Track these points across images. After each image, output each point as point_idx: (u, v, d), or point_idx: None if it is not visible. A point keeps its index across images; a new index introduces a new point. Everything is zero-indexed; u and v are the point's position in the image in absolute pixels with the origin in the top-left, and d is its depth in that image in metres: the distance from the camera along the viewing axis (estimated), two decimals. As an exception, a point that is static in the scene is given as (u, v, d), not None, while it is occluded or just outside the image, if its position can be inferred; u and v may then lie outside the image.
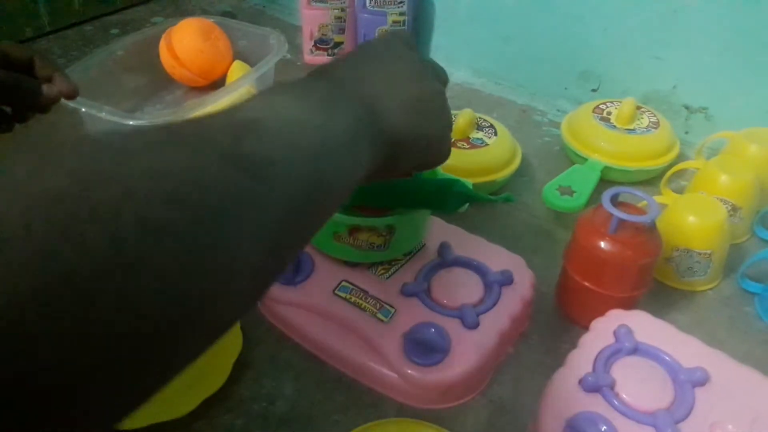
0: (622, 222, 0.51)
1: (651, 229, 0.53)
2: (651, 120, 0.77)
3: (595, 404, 0.44)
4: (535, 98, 0.94)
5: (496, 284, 0.55)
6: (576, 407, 0.44)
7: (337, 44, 1.01)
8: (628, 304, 0.53)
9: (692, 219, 0.59)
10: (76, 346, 0.17)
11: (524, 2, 0.90)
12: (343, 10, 0.98)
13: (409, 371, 0.49)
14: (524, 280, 0.56)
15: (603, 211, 0.52)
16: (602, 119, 0.77)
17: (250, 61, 0.89)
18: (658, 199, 0.56)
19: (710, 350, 0.49)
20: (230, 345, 0.52)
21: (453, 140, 0.73)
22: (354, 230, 0.52)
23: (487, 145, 0.73)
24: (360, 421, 0.49)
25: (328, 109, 0.31)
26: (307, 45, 1.01)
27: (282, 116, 0.28)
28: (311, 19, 0.99)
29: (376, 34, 0.98)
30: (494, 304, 0.53)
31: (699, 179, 0.67)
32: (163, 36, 0.89)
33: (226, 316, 0.24)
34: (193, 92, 0.91)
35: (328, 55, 1.02)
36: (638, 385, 0.45)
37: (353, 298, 0.54)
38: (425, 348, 0.50)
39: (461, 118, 0.73)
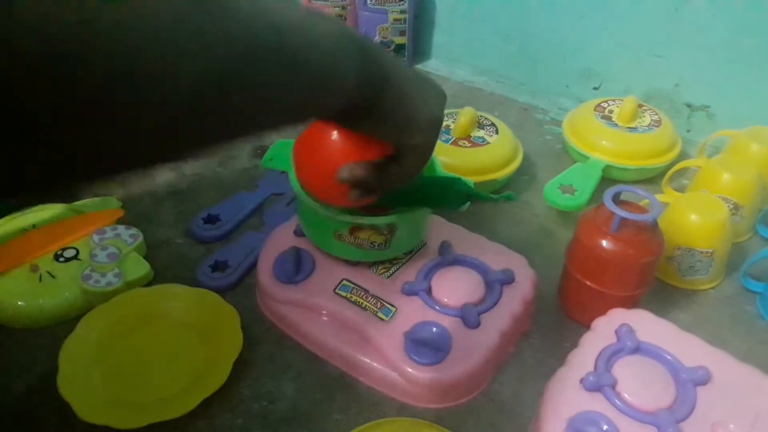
0: (623, 221, 0.51)
1: (653, 227, 0.53)
2: (653, 118, 0.77)
3: (596, 404, 0.44)
4: (536, 96, 0.94)
5: (497, 283, 0.54)
6: (577, 407, 0.44)
7: (338, 42, 1.01)
8: (630, 303, 0.53)
9: (694, 218, 0.59)
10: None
11: (525, 0, 0.90)
12: (343, 8, 0.98)
13: (410, 370, 0.49)
14: (526, 279, 0.55)
15: (605, 209, 0.52)
16: (604, 117, 0.77)
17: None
18: (659, 197, 0.56)
19: (712, 349, 0.48)
20: (230, 345, 0.52)
21: (455, 139, 0.73)
22: (355, 229, 0.52)
23: (488, 143, 0.72)
24: (361, 421, 0.49)
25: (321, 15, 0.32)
26: (308, 43, 1.01)
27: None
28: (312, 17, 0.99)
29: (377, 33, 0.98)
30: (495, 304, 0.53)
31: (701, 178, 0.67)
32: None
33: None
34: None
35: (328, 53, 1.01)
36: (640, 385, 0.45)
37: (354, 297, 0.54)
38: (426, 347, 0.50)
39: (462, 117, 0.73)
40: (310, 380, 0.53)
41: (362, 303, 0.53)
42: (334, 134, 0.48)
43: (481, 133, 0.74)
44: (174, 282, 0.59)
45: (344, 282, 0.55)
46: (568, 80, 0.92)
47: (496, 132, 0.74)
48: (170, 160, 0.28)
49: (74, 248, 0.61)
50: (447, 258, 0.57)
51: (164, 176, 0.76)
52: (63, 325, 0.55)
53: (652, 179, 0.76)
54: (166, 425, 0.47)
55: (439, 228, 0.60)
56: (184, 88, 0.23)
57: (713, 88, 0.81)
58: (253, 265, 0.61)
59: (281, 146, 0.60)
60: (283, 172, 0.59)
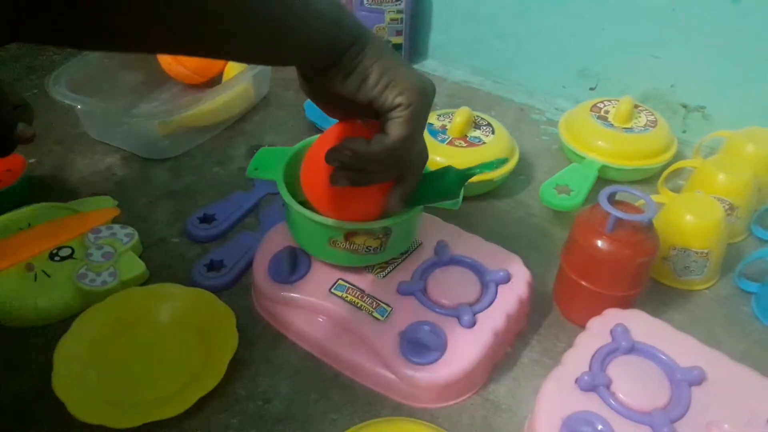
0: (619, 221, 0.51)
1: (648, 228, 0.53)
2: (649, 119, 0.77)
3: (591, 403, 0.44)
4: (533, 97, 0.94)
5: (492, 283, 0.55)
6: (572, 407, 0.44)
7: (335, 42, 1.01)
8: (625, 303, 0.53)
9: (689, 218, 0.59)
10: None
11: (522, 1, 0.90)
12: (340, 7, 0.98)
13: (406, 370, 0.49)
14: (521, 279, 0.55)
15: (600, 209, 0.52)
16: (600, 118, 0.77)
17: (247, 58, 0.88)
18: (655, 198, 0.56)
19: (707, 349, 0.49)
20: (225, 344, 0.52)
21: (451, 139, 0.73)
22: (350, 234, 0.52)
23: (484, 143, 0.72)
24: (356, 420, 0.49)
25: None
26: (305, 43, 1.01)
27: None
28: (309, 17, 0.99)
29: (374, 31, 0.97)
30: (491, 303, 0.53)
31: (696, 178, 0.67)
32: (160, 33, 0.88)
33: None
34: (190, 90, 0.91)
35: (325, 52, 1.01)
36: (635, 385, 0.45)
37: (349, 297, 0.54)
38: (421, 347, 0.50)
39: (459, 117, 0.73)
40: (306, 380, 0.53)
41: (358, 303, 0.53)
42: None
43: (477, 133, 0.74)
44: (169, 281, 0.59)
45: (340, 282, 0.55)
46: (565, 80, 0.92)
47: (493, 132, 0.74)
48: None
49: (70, 247, 0.61)
50: (443, 258, 0.57)
51: (160, 175, 0.76)
52: (58, 324, 0.55)
53: (647, 180, 0.76)
54: (162, 425, 0.47)
55: (434, 228, 0.60)
56: None
57: (709, 89, 0.81)
58: (249, 265, 0.61)
59: (266, 154, 0.59)
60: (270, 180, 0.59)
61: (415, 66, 1.02)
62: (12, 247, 0.60)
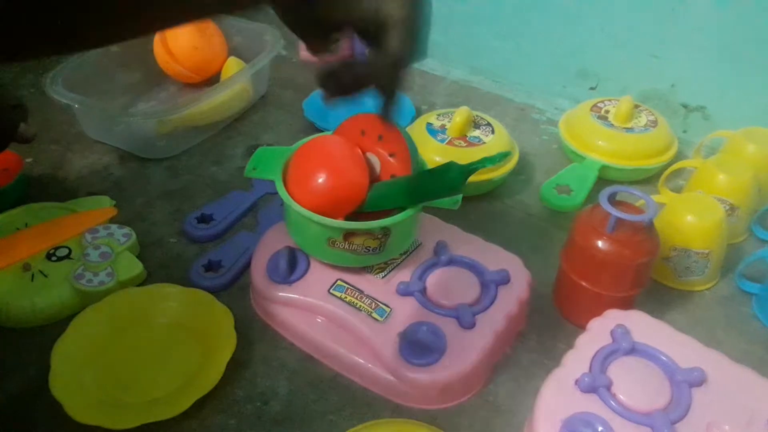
0: (619, 221, 0.51)
1: (649, 228, 0.53)
2: (649, 119, 0.77)
3: (591, 405, 0.44)
4: (533, 96, 0.94)
5: (492, 284, 0.54)
6: (572, 408, 0.44)
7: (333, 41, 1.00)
8: (626, 304, 0.53)
9: (690, 218, 0.58)
10: None
11: (522, 0, 0.90)
12: (339, 6, 0.97)
13: (405, 371, 0.49)
14: (521, 280, 0.55)
15: (600, 210, 0.52)
16: (600, 118, 0.77)
17: (245, 57, 0.88)
18: (655, 198, 0.56)
19: (707, 350, 0.48)
20: (223, 345, 0.52)
21: (450, 138, 0.72)
22: (349, 234, 0.51)
23: (484, 143, 0.72)
24: (355, 422, 0.49)
25: None
26: (304, 42, 1.01)
27: None
28: (308, 16, 0.98)
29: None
30: (491, 304, 0.53)
31: (697, 178, 0.67)
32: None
33: None
34: (188, 89, 0.90)
35: (324, 52, 1.01)
36: (635, 386, 0.45)
37: (348, 298, 0.53)
38: (421, 348, 0.50)
39: (458, 116, 0.73)
40: (304, 381, 0.53)
41: (357, 303, 0.53)
42: (330, 151, 0.51)
43: (477, 132, 0.74)
44: (167, 282, 0.59)
45: (339, 282, 0.54)
46: (565, 80, 0.92)
47: (492, 132, 0.74)
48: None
49: (67, 247, 0.61)
50: (442, 258, 0.56)
51: (158, 174, 0.76)
52: (55, 324, 0.55)
53: (648, 180, 0.76)
54: (160, 425, 0.47)
55: (434, 228, 0.60)
56: None
57: (710, 89, 0.81)
58: (247, 265, 0.61)
59: (264, 153, 0.59)
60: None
61: (414, 65, 1.02)
62: (9, 246, 0.60)
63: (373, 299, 0.53)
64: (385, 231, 0.52)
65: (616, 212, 0.51)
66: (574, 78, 0.91)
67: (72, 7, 0.31)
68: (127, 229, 0.63)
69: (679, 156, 0.77)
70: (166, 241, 0.66)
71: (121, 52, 0.87)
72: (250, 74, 0.83)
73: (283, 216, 0.58)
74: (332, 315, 0.53)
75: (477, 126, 0.75)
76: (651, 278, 0.59)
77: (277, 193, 0.54)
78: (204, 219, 0.67)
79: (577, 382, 0.45)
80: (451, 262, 0.56)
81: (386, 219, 0.51)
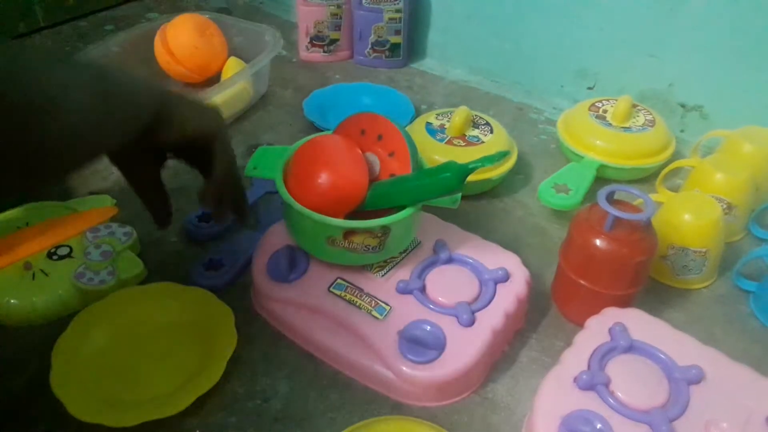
0: (617, 220, 0.51)
1: (646, 227, 0.53)
2: (647, 118, 0.77)
3: (590, 402, 0.44)
4: (531, 96, 0.94)
5: (491, 282, 0.55)
6: (571, 405, 0.44)
7: (333, 41, 1.01)
8: (624, 302, 0.53)
9: (687, 217, 0.59)
10: None
11: (521, 0, 0.90)
12: (339, 6, 0.98)
13: (405, 369, 0.49)
14: (520, 278, 0.55)
15: (599, 209, 0.52)
16: (598, 117, 0.77)
17: (246, 57, 0.88)
18: (653, 197, 0.56)
19: (705, 348, 0.49)
20: (224, 343, 0.52)
21: (449, 138, 0.73)
22: (349, 233, 0.52)
23: (483, 142, 0.72)
24: (355, 419, 0.49)
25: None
26: (303, 42, 1.01)
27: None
28: (307, 16, 0.99)
29: (372, 32, 0.97)
30: (490, 302, 0.53)
31: (694, 177, 0.67)
32: (158, 32, 0.88)
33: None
34: (188, 88, 0.91)
35: (323, 52, 1.01)
36: (633, 383, 0.45)
37: (348, 296, 0.53)
38: (420, 346, 0.50)
39: (457, 116, 0.73)
40: (304, 379, 0.53)
41: (356, 302, 0.53)
42: (327, 153, 0.51)
43: (475, 132, 0.74)
44: (168, 281, 0.59)
45: (338, 281, 0.55)
46: (563, 80, 0.92)
47: (491, 131, 0.74)
48: None
49: (68, 246, 0.61)
50: (441, 257, 0.57)
51: (158, 174, 0.76)
52: (56, 323, 0.55)
53: (646, 179, 0.76)
54: (160, 423, 0.47)
55: (433, 227, 0.60)
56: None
57: (707, 88, 0.81)
58: (248, 264, 0.61)
59: (264, 153, 0.60)
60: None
61: (414, 65, 1.02)
62: (10, 246, 0.60)
63: (373, 297, 0.53)
64: (385, 230, 0.52)
65: (614, 211, 0.51)
66: (573, 78, 0.91)
67: None
68: (128, 228, 0.63)
69: (676, 155, 0.77)
70: (167, 241, 0.66)
71: (122, 52, 0.87)
72: (251, 74, 0.83)
73: (283, 215, 0.58)
74: (332, 313, 0.53)
75: (476, 125, 0.75)
76: (649, 276, 0.59)
77: (276, 192, 0.54)
78: (204, 218, 0.67)
79: (575, 379, 0.46)
80: (451, 260, 0.57)
81: (386, 218, 0.51)
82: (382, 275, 0.55)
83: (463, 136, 0.73)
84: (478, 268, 0.56)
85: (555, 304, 0.60)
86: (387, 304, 0.53)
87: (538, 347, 0.56)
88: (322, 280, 0.55)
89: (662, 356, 0.48)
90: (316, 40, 1.00)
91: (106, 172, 0.76)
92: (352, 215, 0.53)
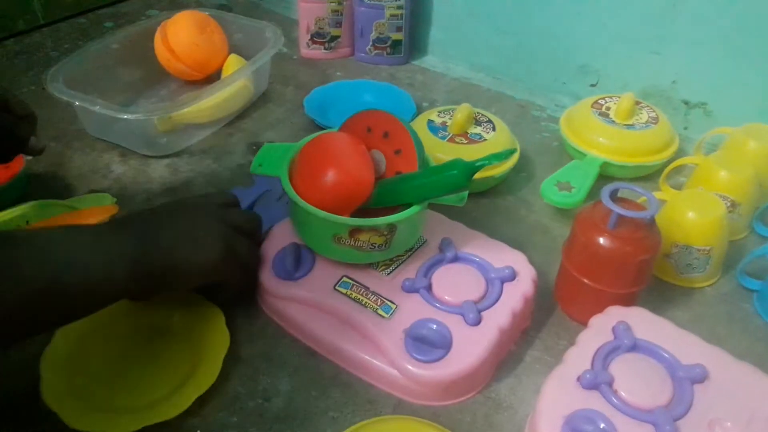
0: (621, 218, 0.51)
1: (650, 225, 0.53)
2: (650, 115, 0.77)
3: (593, 402, 0.44)
4: (533, 93, 0.94)
5: (498, 280, 0.54)
6: (574, 405, 0.44)
7: (334, 38, 1.00)
8: (627, 301, 0.53)
9: (691, 215, 0.59)
10: None
11: (523, -4, 0.90)
12: (340, 3, 0.97)
13: (411, 368, 0.49)
14: (526, 277, 0.55)
15: (602, 206, 0.52)
16: (601, 114, 0.77)
17: (246, 54, 0.88)
18: (657, 195, 0.56)
19: (709, 347, 0.48)
20: (217, 344, 0.52)
21: (451, 135, 0.72)
22: (355, 231, 0.51)
23: (485, 140, 0.72)
24: (356, 419, 0.49)
25: (95, 243, 0.45)
26: (304, 38, 1.01)
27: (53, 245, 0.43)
28: (307, 13, 0.98)
29: (373, 28, 0.97)
30: (496, 301, 0.53)
31: (698, 175, 0.67)
32: (158, 29, 0.88)
33: None
34: (189, 86, 0.90)
35: (324, 49, 1.01)
36: (637, 383, 0.45)
37: (354, 294, 0.53)
38: (426, 344, 0.50)
39: (459, 113, 0.73)
40: (306, 378, 0.53)
41: (362, 300, 0.53)
42: (333, 152, 0.52)
43: (478, 129, 0.74)
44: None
45: (344, 279, 0.55)
46: (566, 77, 0.92)
47: (494, 129, 0.74)
48: None
49: (68, 245, 0.60)
50: (448, 255, 0.56)
51: (159, 172, 0.75)
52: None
53: (649, 176, 0.76)
54: (161, 424, 0.46)
55: (439, 225, 0.60)
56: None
57: (711, 85, 0.81)
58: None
59: (269, 150, 0.59)
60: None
61: (415, 62, 1.02)
62: (10, 244, 0.60)
63: (379, 296, 0.53)
64: (391, 228, 0.52)
65: (617, 209, 0.51)
66: (575, 75, 0.91)
67: None
68: (128, 227, 0.63)
69: (680, 153, 0.77)
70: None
71: (121, 50, 0.87)
72: (251, 71, 0.82)
73: (289, 212, 0.58)
74: (338, 311, 0.53)
75: (478, 123, 0.75)
76: (652, 275, 0.59)
77: (276, 190, 0.54)
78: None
79: (579, 378, 0.45)
80: (457, 259, 0.56)
81: (392, 216, 0.51)
82: (388, 273, 0.55)
83: (465, 134, 0.73)
84: (485, 266, 0.56)
85: (558, 302, 0.60)
86: (393, 303, 0.52)
87: (542, 346, 0.56)
88: (328, 279, 0.55)
89: (666, 355, 0.47)
90: (317, 37, 1.00)
91: (105, 169, 0.76)
92: (358, 213, 0.52)
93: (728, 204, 0.63)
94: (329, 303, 0.53)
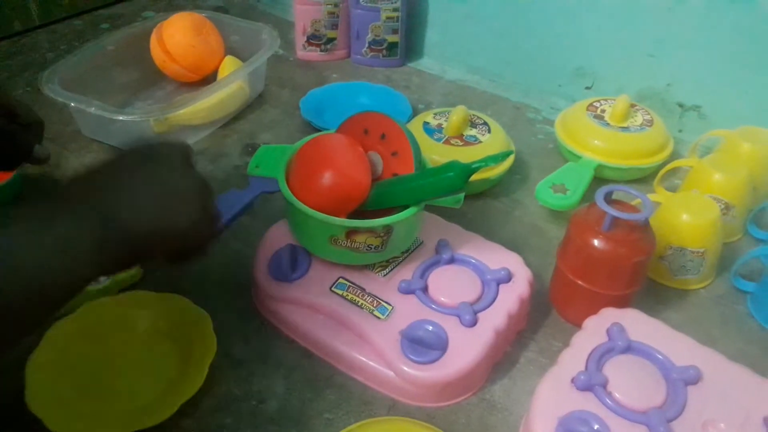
0: (615, 220, 0.51)
1: (644, 227, 0.53)
2: (645, 118, 0.77)
3: (587, 403, 0.44)
4: (529, 96, 0.94)
5: (493, 282, 0.54)
6: (568, 406, 0.44)
7: (330, 40, 1.00)
8: (622, 303, 0.53)
9: (685, 217, 0.59)
10: None
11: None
12: (336, 5, 0.97)
13: (406, 369, 0.49)
14: (522, 278, 0.55)
15: (597, 209, 0.52)
16: (596, 117, 0.77)
17: (242, 56, 0.88)
18: (651, 197, 0.56)
19: (703, 348, 0.49)
20: (204, 348, 0.51)
21: (447, 137, 0.72)
22: (352, 232, 0.51)
23: (480, 142, 0.72)
24: (351, 420, 0.49)
25: (44, 227, 0.36)
26: (300, 40, 1.01)
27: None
28: (304, 15, 0.98)
29: (369, 31, 0.97)
30: (492, 302, 0.53)
31: (692, 177, 0.67)
32: (154, 30, 0.88)
33: None
34: (185, 87, 0.90)
35: (320, 51, 1.01)
36: (631, 384, 0.45)
37: (350, 296, 0.53)
38: (422, 346, 0.50)
39: (455, 116, 0.73)
40: (301, 379, 0.53)
41: (358, 301, 0.53)
42: (328, 151, 0.51)
43: (473, 131, 0.74)
44: (163, 282, 0.58)
45: (341, 280, 0.55)
46: (561, 79, 0.92)
47: (489, 131, 0.74)
48: None
49: (63, 246, 0.60)
50: (444, 257, 0.56)
51: (155, 174, 0.75)
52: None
53: (644, 179, 0.76)
54: (155, 425, 0.46)
55: (435, 227, 0.60)
56: None
57: (705, 88, 0.81)
58: (234, 218, 0.60)
59: (266, 152, 0.59)
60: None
61: (411, 65, 1.02)
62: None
63: (375, 297, 0.53)
64: (388, 229, 0.52)
65: (612, 211, 0.51)
66: (571, 77, 0.91)
67: None
68: (123, 228, 0.63)
69: (674, 155, 0.77)
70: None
71: (117, 51, 0.87)
72: (247, 73, 0.82)
73: (286, 214, 0.58)
74: (334, 313, 0.53)
75: (473, 125, 0.75)
76: (647, 277, 0.59)
77: (274, 192, 0.54)
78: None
79: (573, 380, 0.45)
80: (453, 260, 0.57)
81: (388, 217, 0.51)
82: (384, 275, 0.55)
83: (460, 136, 0.73)
84: (481, 268, 0.56)
85: (553, 304, 0.60)
86: (389, 304, 0.52)
87: (536, 348, 0.56)
88: (324, 280, 0.55)
89: (660, 357, 0.48)
90: (313, 39, 1.00)
91: (101, 171, 0.76)
92: (354, 214, 0.52)
93: (722, 206, 0.64)
94: (325, 304, 0.53)
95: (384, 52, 0.99)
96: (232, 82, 0.81)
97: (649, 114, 0.78)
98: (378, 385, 0.52)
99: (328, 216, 0.51)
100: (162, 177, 0.43)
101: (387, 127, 0.54)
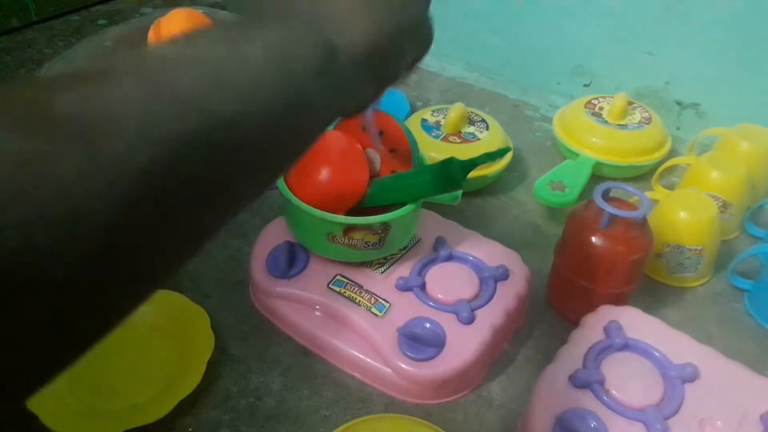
0: (613, 217, 0.51)
1: (642, 224, 0.53)
2: (643, 115, 0.77)
3: (584, 400, 0.44)
4: (527, 93, 0.94)
5: (491, 279, 0.54)
6: (566, 403, 0.44)
7: (329, 37, 1.00)
8: (619, 300, 0.53)
9: (683, 215, 0.59)
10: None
11: (517, -4, 0.90)
12: (334, 2, 0.97)
13: (404, 366, 0.49)
14: (520, 276, 0.55)
15: (594, 206, 0.52)
16: (594, 114, 0.77)
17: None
18: (649, 194, 0.56)
19: (700, 346, 0.49)
20: (202, 346, 0.51)
21: (445, 134, 0.72)
22: (349, 230, 0.51)
23: (478, 139, 0.72)
24: (348, 417, 0.49)
25: (251, 36, 0.27)
26: (299, 37, 1.00)
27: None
28: (302, 11, 0.98)
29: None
30: (490, 300, 0.53)
31: (690, 175, 0.67)
32: (152, 27, 0.87)
33: None
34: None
35: (319, 47, 1.01)
36: (628, 381, 0.45)
37: (348, 293, 0.53)
38: (420, 343, 0.50)
39: (453, 113, 0.73)
40: (298, 376, 0.53)
41: (356, 298, 0.53)
42: (333, 149, 0.50)
43: (471, 129, 0.74)
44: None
45: (338, 277, 0.54)
46: (559, 77, 0.92)
47: (487, 128, 0.74)
48: None
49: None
50: (441, 254, 0.56)
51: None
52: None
53: (641, 176, 0.76)
54: (150, 423, 0.46)
55: (433, 224, 0.60)
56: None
57: (703, 86, 0.81)
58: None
59: None
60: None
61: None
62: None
63: (373, 294, 0.53)
64: (385, 226, 0.52)
65: (610, 208, 0.51)
66: (569, 75, 0.91)
67: None
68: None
69: (672, 153, 0.77)
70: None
71: (115, 47, 0.86)
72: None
73: (283, 211, 0.58)
74: (331, 310, 0.53)
75: (471, 122, 0.75)
76: (644, 274, 0.59)
77: (274, 187, 0.54)
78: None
79: (570, 377, 0.46)
80: (451, 257, 0.57)
81: (386, 214, 0.51)
82: (382, 272, 0.55)
83: (458, 133, 0.73)
84: (479, 265, 0.56)
85: (550, 301, 0.60)
86: (387, 301, 0.52)
87: (533, 345, 0.56)
88: (322, 277, 0.55)
89: (657, 354, 0.48)
90: (312, 36, 1.00)
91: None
92: (352, 212, 0.52)
93: (720, 204, 0.64)
94: (323, 301, 0.53)
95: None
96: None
97: (647, 112, 0.78)
98: (375, 382, 0.52)
99: (326, 213, 0.51)
100: None
101: (385, 124, 0.54)
